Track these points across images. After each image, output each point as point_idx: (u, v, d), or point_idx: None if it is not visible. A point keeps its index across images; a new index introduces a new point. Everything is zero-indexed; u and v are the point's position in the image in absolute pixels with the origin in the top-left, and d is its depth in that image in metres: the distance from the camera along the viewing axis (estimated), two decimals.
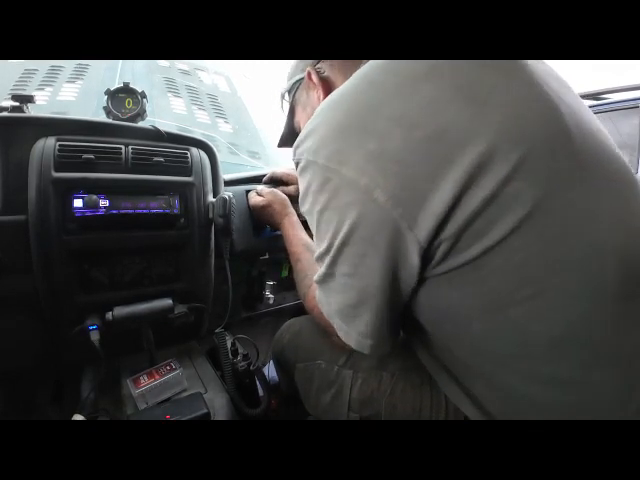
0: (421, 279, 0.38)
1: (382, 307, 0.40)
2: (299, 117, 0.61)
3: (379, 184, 0.34)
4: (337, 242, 0.39)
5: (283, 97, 0.62)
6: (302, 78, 0.56)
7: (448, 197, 0.32)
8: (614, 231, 0.35)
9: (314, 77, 0.52)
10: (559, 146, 0.34)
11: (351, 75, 0.48)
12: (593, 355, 0.34)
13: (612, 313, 0.34)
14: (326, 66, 0.52)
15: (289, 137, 0.67)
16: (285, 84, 0.61)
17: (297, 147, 0.41)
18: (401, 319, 0.46)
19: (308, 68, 0.53)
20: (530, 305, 0.34)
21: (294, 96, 0.60)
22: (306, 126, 0.40)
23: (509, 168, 0.32)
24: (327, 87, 0.52)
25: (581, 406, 0.36)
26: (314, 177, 0.39)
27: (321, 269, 0.44)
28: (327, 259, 0.42)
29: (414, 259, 0.36)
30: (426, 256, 0.36)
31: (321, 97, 0.52)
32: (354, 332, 0.44)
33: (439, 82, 0.35)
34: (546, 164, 0.33)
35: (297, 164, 0.41)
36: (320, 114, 0.40)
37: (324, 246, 0.41)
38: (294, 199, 0.94)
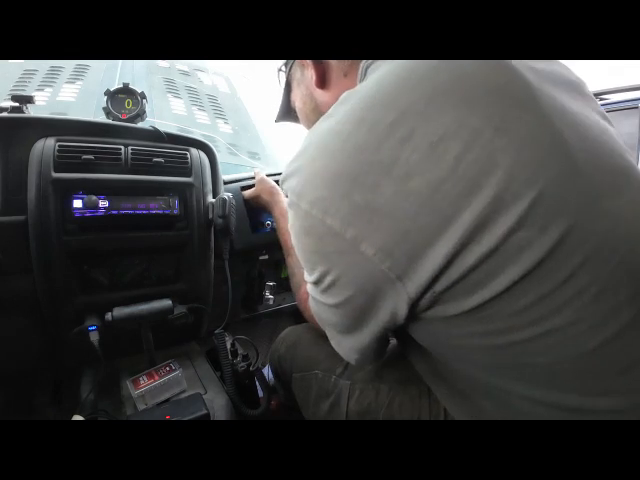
0: (413, 317, 0.37)
1: (368, 337, 0.40)
2: (294, 94, 0.59)
3: (366, 237, 0.32)
4: (325, 283, 0.38)
5: (280, 70, 0.60)
6: None
7: (444, 255, 0.30)
8: (631, 260, 0.32)
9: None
10: (568, 184, 0.31)
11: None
12: (601, 385, 0.33)
13: (623, 343, 0.31)
14: None
15: (285, 112, 0.64)
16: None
17: (283, 181, 0.39)
18: (393, 337, 0.47)
19: None
20: (536, 343, 0.32)
21: (290, 71, 0.57)
22: (292, 160, 0.39)
23: (513, 220, 0.29)
24: (319, 68, 0.49)
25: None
26: (297, 218, 0.38)
27: (312, 291, 0.43)
28: (317, 290, 0.41)
29: (402, 307, 0.34)
30: (416, 304, 0.34)
31: (314, 76, 0.49)
32: (345, 345, 0.45)
33: (438, 120, 0.31)
34: (554, 208, 0.30)
35: (286, 195, 0.40)
36: (306, 151, 0.37)
37: (312, 279, 0.40)
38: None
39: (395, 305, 0.35)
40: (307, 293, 0.49)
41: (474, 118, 0.31)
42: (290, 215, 0.39)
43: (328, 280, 0.37)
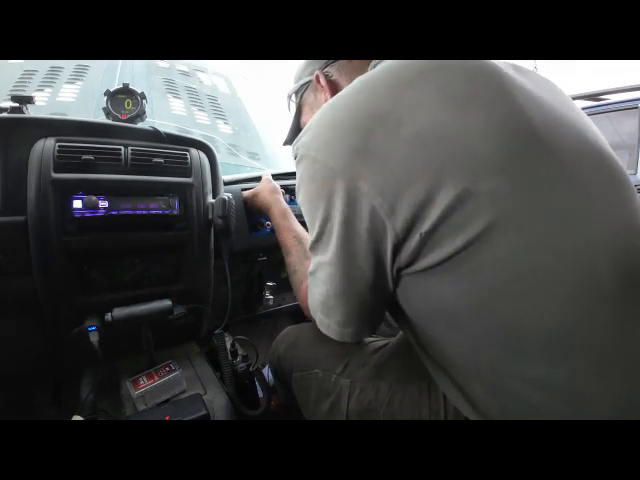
0: (406, 274, 0.40)
1: (365, 293, 0.43)
2: (306, 117, 0.63)
3: (362, 175, 0.37)
4: (327, 229, 0.42)
5: (290, 97, 0.64)
6: (310, 81, 0.58)
7: (424, 190, 0.35)
8: (605, 228, 0.34)
9: (322, 80, 0.55)
10: (532, 149, 0.36)
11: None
12: (592, 363, 0.33)
13: (612, 316, 0.33)
14: (334, 70, 0.55)
15: (295, 136, 0.68)
16: (292, 85, 0.63)
17: (296, 142, 0.44)
18: (391, 310, 0.49)
19: (317, 72, 0.56)
20: (519, 303, 0.34)
21: (301, 97, 0.62)
22: (307, 124, 0.44)
23: (481, 169, 0.34)
24: (334, 89, 0.55)
25: (578, 416, 0.34)
26: (305, 168, 0.42)
27: (313, 259, 0.47)
28: (318, 247, 0.45)
29: (388, 248, 0.38)
30: (403, 249, 0.38)
31: (328, 99, 0.54)
32: (333, 323, 0.47)
33: (424, 87, 0.38)
34: (521, 164, 0.35)
35: (295, 157, 0.45)
36: (318, 113, 0.43)
37: (315, 234, 0.44)
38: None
39: (383, 247, 0.39)
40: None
41: (450, 89, 0.38)
42: (300, 169, 0.44)
43: (328, 227, 0.41)
